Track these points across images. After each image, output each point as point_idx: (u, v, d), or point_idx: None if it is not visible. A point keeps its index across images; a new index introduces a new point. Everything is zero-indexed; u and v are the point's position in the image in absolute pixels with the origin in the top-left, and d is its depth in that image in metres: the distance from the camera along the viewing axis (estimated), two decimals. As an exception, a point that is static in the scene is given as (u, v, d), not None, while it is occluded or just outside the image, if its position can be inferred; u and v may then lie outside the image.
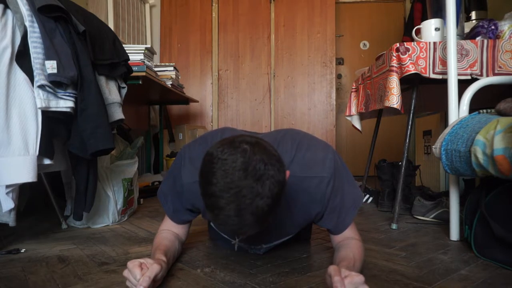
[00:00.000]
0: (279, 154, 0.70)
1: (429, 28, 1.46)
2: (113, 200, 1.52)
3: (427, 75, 1.38)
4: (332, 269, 0.68)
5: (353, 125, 2.11)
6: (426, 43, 1.39)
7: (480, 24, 1.47)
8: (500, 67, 1.35)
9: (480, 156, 0.92)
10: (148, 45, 1.96)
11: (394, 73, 1.41)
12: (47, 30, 1.07)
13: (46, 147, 1.09)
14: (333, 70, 3.44)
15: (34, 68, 1.04)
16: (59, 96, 1.10)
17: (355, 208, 0.92)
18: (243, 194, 0.63)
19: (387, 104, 1.41)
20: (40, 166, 1.10)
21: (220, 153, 0.64)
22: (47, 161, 1.12)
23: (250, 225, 0.66)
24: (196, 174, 0.90)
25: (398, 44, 1.41)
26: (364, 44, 3.83)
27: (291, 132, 0.96)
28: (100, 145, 1.18)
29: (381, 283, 0.85)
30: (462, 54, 1.36)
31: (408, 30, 3.16)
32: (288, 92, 3.47)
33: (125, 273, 0.76)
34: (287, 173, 0.73)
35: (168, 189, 0.99)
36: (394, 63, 1.41)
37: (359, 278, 0.67)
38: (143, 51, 1.89)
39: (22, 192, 1.42)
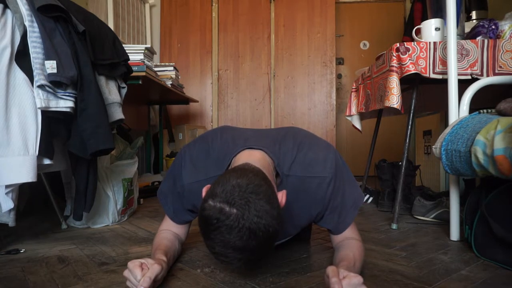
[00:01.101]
0: (275, 192, 0.72)
1: (429, 28, 1.46)
2: (113, 200, 1.52)
3: (427, 75, 1.37)
4: (330, 270, 0.68)
5: (353, 125, 2.11)
6: (426, 43, 1.39)
7: (481, 24, 1.46)
8: (500, 67, 1.35)
9: (481, 156, 0.92)
10: (148, 45, 1.96)
11: (394, 73, 1.41)
12: (47, 30, 1.07)
13: (46, 147, 1.09)
14: (333, 70, 3.44)
15: (33, 68, 1.04)
16: (59, 96, 1.10)
17: (355, 208, 0.92)
18: (240, 256, 0.67)
19: (387, 104, 1.41)
20: (40, 166, 1.10)
21: (215, 221, 0.66)
22: (47, 161, 1.12)
23: (250, 267, 0.70)
24: (196, 174, 0.90)
25: (398, 44, 1.40)
26: (364, 44, 3.83)
27: (292, 131, 0.96)
28: (100, 145, 1.18)
29: (381, 283, 0.85)
30: (462, 54, 1.36)
31: (408, 30, 3.17)
32: (288, 92, 3.47)
33: (126, 273, 0.76)
34: (284, 196, 0.75)
35: (168, 190, 0.99)
36: (394, 63, 1.41)
37: (357, 279, 0.67)
38: (143, 51, 1.89)
39: (22, 192, 1.42)
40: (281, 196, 0.74)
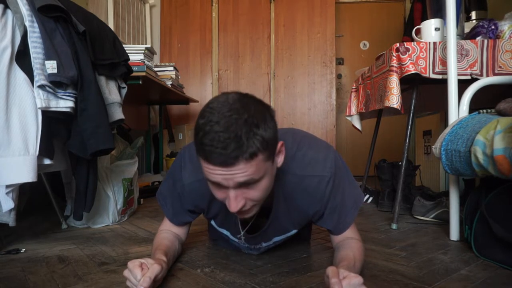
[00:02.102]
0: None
1: (429, 28, 1.46)
2: (113, 200, 1.52)
3: (427, 75, 1.38)
4: (330, 270, 0.67)
5: (353, 125, 2.11)
6: (426, 43, 1.39)
7: (480, 24, 1.46)
8: (500, 67, 1.35)
9: (480, 156, 0.92)
10: (148, 45, 1.96)
11: (394, 73, 1.41)
12: (47, 30, 1.07)
13: (46, 147, 1.09)
14: (333, 70, 3.44)
15: (34, 68, 1.04)
16: (59, 96, 1.10)
17: (355, 208, 0.92)
18: (232, 115, 0.66)
19: (387, 104, 1.41)
20: (40, 166, 1.10)
21: (217, 96, 0.70)
22: (47, 161, 1.12)
23: (236, 147, 0.65)
24: (196, 173, 0.90)
25: (398, 44, 1.40)
26: (364, 44, 3.83)
27: (292, 131, 0.96)
28: (100, 145, 1.18)
29: (381, 283, 0.85)
30: (462, 54, 1.36)
31: (408, 30, 3.17)
32: (288, 92, 3.47)
33: (126, 273, 0.76)
34: (281, 144, 0.76)
35: (168, 191, 0.99)
36: (394, 63, 1.41)
37: (358, 279, 0.67)
38: (143, 51, 1.89)
39: (22, 192, 1.42)
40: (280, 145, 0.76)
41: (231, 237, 1.02)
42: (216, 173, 0.69)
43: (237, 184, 0.70)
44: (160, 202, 1.02)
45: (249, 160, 0.66)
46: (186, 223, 1.02)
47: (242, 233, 0.96)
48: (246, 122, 0.65)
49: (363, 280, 0.68)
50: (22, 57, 1.04)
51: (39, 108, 1.06)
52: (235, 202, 0.72)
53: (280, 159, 0.77)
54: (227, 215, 0.94)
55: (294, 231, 0.99)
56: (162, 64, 2.39)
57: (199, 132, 0.68)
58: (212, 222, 1.02)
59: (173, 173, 0.96)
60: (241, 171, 0.67)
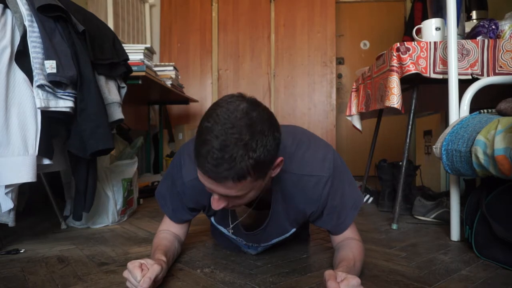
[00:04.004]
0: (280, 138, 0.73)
1: (430, 27, 1.46)
2: (112, 200, 1.51)
3: (427, 75, 1.37)
4: (327, 274, 0.68)
5: (353, 125, 2.11)
6: (426, 42, 1.38)
7: (481, 23, 1.46)
8: (500, 66, 1.34)
9: (481, 156, 0.92)
10: (148, 45, 1.96)
11: (395, 73, 1.41)
12: (47, 30, 1.07)
13: (45, 147, 1.09)
14: (333, 70, 3.43)
15: (33, 68, 1.04)
16: (59, 96, 1.09)
17: (355, 209, 0.92)
18: (233, 133, 0.65)
19: (387, 104, 1.41)
20: (39, 166, 1.09)
21: (229, 97, 0.69)
22: (46, 161, 1.12)
23: (227, 168, 0.65)
24: (196, 170, 0.90)
25: (398, 44, 1.40)
26: (365, 43, 3.83)
27: (293, 129, 0.95)
28: (100, 145, 1.18)
29: (381, 284, 0.85)
30: (462, 53, 1.35)
31: (408, 30, 3.16)
32: (288, 92, 3.47)
33: (125, 273, 0.76)
34: (280, 160, 0.75)
35: (167, 190, 0.99)
36: (395, 62, 1.41)
37: (355, 280, 0.67)
38: (142, 51, 1.88)
39: (21, 192, 1.42)
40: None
41: (228, 234, 1.02)
42: (203, 179, 0.72)
43: (222, 195, 0.73)
44: (159, 201, 1.02)
45: (237, 182, 0.68)
46: (185, 221, 1.03)
47: (231, 226, 0.97)
48: (245, 146, 0.65)
49: (362, 280, 0.68)
50: (21, 57, 1.04)
51: (38, 108, 1.05)
52: (216, 203, 0.76)
53: (276, 171, 0.77)
54: (222, 210, 0.94)
55: (292, 231, 0.98)
56: (162, 64, 2.39)
57: (200, 135, 0.68)
58: (212, 219, 1.02)
59: (171, 172, 0.96)
60: (227, 188, 0.70)
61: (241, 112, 0.67)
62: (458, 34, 1.36)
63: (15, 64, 1.04)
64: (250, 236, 0.98)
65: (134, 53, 1.85)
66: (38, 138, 1.06)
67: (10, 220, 1.12)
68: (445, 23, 1.39)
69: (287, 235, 0.99)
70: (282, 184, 0.86)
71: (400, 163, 1.53)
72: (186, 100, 2.88)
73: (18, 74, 1.04)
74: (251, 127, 0.66)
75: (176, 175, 0.93)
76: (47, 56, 1.05)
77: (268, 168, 0.73)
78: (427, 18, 1.51)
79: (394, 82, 1.40)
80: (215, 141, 0.65)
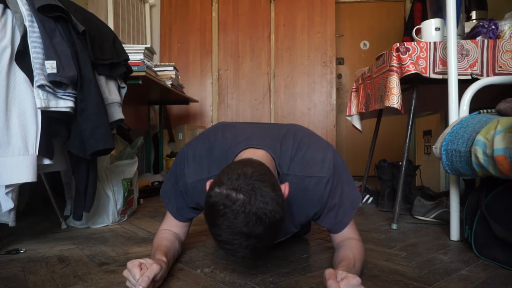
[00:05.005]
0: (278, 184, 0.73)
1: (429, 28, 1.46)
2: (112, 200, 1.52)
3: (427, 75, 1.37)
4: (327, 273, 0.68)
5: (353, 125, 2.11)
6: (426, 43, 1.38)
7: (481, 24, 1.46)
8: (500, 67, 1.35)
9: (481, 156, 0.92)
10: (148, 45, 1.96)
11: (394, 73, 1.41)
12: (47, 30, 1.07)
13: (46, 147, 1.09)
14: (333, 70, 3.43)
15: (33, 68, 1.04)
16: (59, 96, 1.09)
17: (353, 208, 0.92)
18: (247, 243, 0.68)
19: (387, 104, 1.41)
20: (39, 166, 1.10)
21: (221, 207, 0.67)
22: (46, 161, 1.12)
23: (254, 257, 0.73)
24: (199, 172, 0.90)
25: (398, 44, 1.40)
26: (364, 44, 3.83)
27: (293, 129, 0.96)
28: (100, 145, 1.18)
29: (381, 283, 0.85)
30: (462, 54, 1.36)
31: (408, 30, 3.16)
32: (288, 92, 3.47)
33: (125, 273, 0.76)
34: (286, 188, 0.76)
35: (171, 188, 0.99)
36: (394, 63, 1.41)
37: (356, 280, 0.67)
38: (143, 51, 1.89)
39: (22, 192, 1.42)
40: (284, 188, 0.76)
41: None
42: None
43: None
44: (164, 200, 1.02)
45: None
46: (189, 219, 1.03)
47: None
48: (248, 243, 0.68)
49: (362, 280, 0.68)
50: (21, 57, 1.04)
51: (38, 108, 1.06)
52: None
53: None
54: None
55: (295, 230, 0.99)
56: (162, 64, 2.39)
57: (213, 228, 0.70)
58: None
59: (175, 170, 0.97)
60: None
61: (241, 225, 0.66)
62: (457, 34, 1.36)
63: (15, 64, 1.04)
64: None
65: (134, 53, 1.86)
66: (38, 138, 1.06)
67: (10, 220, 1.12)
68: (444, 23, 1.39)
69: (289, 235, 1.00)
70: None
71: (400, 163, 1.53)
72: (186, 100, 2.88)
73: (19, 74, 1.05)
74: (257, 225, 0.67)
75: (180, 173, 0.94)
76: (48, 56, 1.05)
77: (282, 222, 0.73)
78: (427, 18, 1.52)
79: (394, 82, 1.40)
80: (236, 250, 0.69)
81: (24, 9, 1.05)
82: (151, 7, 3.44)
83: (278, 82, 3.47)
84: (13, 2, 1.04)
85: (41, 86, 1.05)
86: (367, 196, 2.10)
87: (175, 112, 3.49)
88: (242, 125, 1.01)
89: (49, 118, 1.10)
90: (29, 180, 1.04)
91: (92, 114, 1.17)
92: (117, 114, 1.36)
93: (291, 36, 3.47)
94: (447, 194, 1.53)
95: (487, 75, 1.34)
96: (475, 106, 1.21)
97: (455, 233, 1.25)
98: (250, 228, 0.66)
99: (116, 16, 2.78)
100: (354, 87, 2.11)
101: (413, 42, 1.40)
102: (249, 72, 3.49)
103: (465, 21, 1.61)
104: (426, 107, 2.16)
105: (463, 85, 1.25)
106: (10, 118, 1.02)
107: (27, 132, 1.05)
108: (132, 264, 0.75)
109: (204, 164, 0.91)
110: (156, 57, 3.49)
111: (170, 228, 1.02)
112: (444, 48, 1.36)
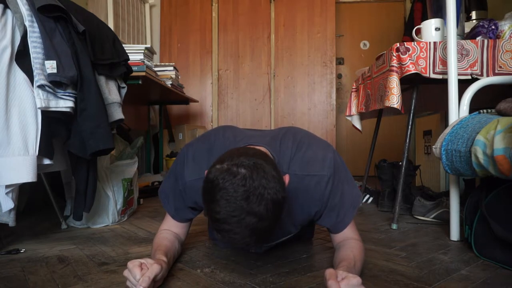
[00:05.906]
0: (278, 169, 0.72)
1: (429, 28, 1.46)
2: (113, 200, 1.52)
3: (427, 75, 1.37)
4: (327, 273, 0.68)
5: (353, 125, 2.11)
6: (426, 43, 1.38)
7: (481, 24, 1.46)
8: (500, 67, 1.35)
9: (481, 156, 0.92)
10: (148, 45, 1.96)
11: (394, 73, 1.41)
12: (47, 30, 1.07)
13: (46, 147, 1.09)
14: (333, 70, 3.43)
15: (34, 68, 1.04)
16: (59, 96, 1.09)
17: (354, 208, 0.92)
18: (246, 221, 0.65)
19: (387, 104, 1.41)
20: (40, 166, 1.10)
21: (221, 181, 0.65)
22: (47, 161, 1.12)
23: (253, 242, 0.68)
24: (199, 171, 0.90)
25: (398, 44, 1.40)
26: (364, 44, 3.83)
27: (292, 130, 0.96)
28: (100, 145, 1.18)
29: (381, 283, 0.85)
30: (462, 54, 1.36)
31: (408, 30, 3.16)
32: (288, 92, 3.47)
33: (125, 273, 0.76)
34: (286, 178, 0.75)
35: (170, 188, 0.99)
36: (394, 63, 1.41)
37: (356, 279, 0.67)
38: (143, 51, 1.89)
39: (22, 192, 1.42)
40: (284, 179, 0.75)
41: None
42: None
43: None
44: (162, 199, 1.02)
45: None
46: (188, 219, 1.03)
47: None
48: (260, 229, 0.67)
49: (362, 280, 0.68)
50: (22, 57, 1.04)
51: (38, 108, 1.06)
52: None
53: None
54: None
55: (294, 231, 0.99)
56: (162, 64, 2.39)
57: (212, 225, 0.69)
58: None
59: (175, 170, 0.97)
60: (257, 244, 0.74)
61: (241, 199, 0.64)
62: (457, 35, 1.36)
63: (16, 64, 1.04)
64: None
65: (134, 53, 1.86)
66: (39, 138, 1.06)
67: (10, 220, 1.12)
68: (444, 23, 1.39)
69: (291, 235, 1.00)
70: None
71: (400, 163, 1.53)
72: (186, 100, 2.88)
73: (19, 74, 1.05)
74: (256, 203, 0.65)
75: (179, 173, 0.95)
76: (48, 56, 1.05)
77: (283, 206, 0.72)
78: (426, 19, 1.52)
79: (394, 82, 1.40)
80: (234, 233, 0.67)
81: (24, 9, 1.05)
82: (151, 7, 3.45)
83: (278, 82, 3.47)
84: (13, 2, 1.04)
85: (41, 86, 1.05)
86: (367, 196, 2.10)
87: (175, 112, 3.49)
88: (243, 129, 1.03)
89: (49, 118, 1.10)
90: (29, 180, 1.04)
91: (92, 114, 1.17)
92: (117, 114, 1.36)
93: (291, 36, 3.47)
94: (447, 194, 1.53)
95: (487, 75, 1.34)
96: (475, 106, 1.21)
97: (455, 233, 1.25)
98: (250, 203, 0.64)
99: (116, 16, 2.78)
100: (354, 87, 2.11)
101: (413, 42, 1.40)
102: (249, 72, 3.49)
103: (465, 21, 1.61)
104: (426, 107, 2.17)
105: (463, 85, 1.25)
106: (10, 118, 1.02)
107: (27, 132, 1.05)
108: (133, 264, 0.75)
109: (203, 163, 0.91)
110: (156, 57, 3.50)
111: (170, 228, 1.02)
112: (444, 48, 1.36)
